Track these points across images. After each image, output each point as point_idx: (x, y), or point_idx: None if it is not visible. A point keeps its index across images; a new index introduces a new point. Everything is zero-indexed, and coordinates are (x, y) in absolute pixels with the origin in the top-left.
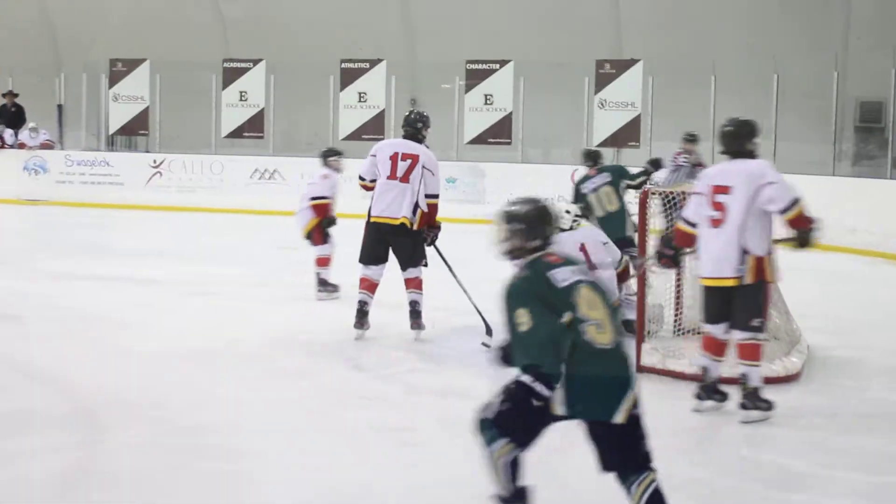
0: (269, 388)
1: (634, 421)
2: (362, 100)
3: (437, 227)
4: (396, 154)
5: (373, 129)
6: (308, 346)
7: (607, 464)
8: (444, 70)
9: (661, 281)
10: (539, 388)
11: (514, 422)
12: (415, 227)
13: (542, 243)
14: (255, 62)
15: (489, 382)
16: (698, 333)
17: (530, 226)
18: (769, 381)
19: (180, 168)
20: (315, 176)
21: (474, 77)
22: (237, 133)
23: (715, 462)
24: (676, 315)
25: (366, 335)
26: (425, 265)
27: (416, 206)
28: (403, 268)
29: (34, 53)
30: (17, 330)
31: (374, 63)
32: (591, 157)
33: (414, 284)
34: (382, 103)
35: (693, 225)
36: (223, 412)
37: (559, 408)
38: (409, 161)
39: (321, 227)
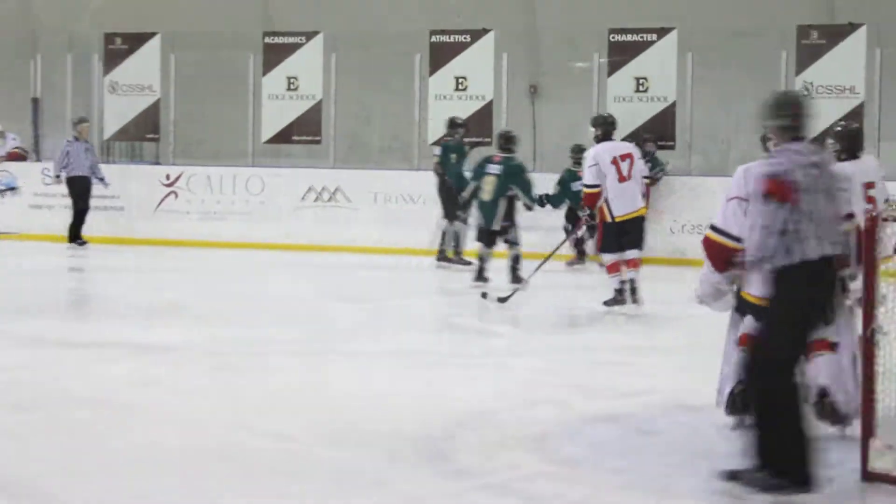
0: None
1: None
2: (460, 87)
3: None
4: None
5: (475, 127)
6: (386, 439)
7: None
8: (578, 43)
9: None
10: None
11: None
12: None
13: None
14: (310, 36)
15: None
16: None
17: None
18: None
19: (204, 186)
20: None
21: (621, 52)
22: (284, 137)
23: None
24: None
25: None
26: None
27: None
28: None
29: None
30: None
31: (477, 35)
32: None
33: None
34: (490, 91)
35: None
36: None
37: None
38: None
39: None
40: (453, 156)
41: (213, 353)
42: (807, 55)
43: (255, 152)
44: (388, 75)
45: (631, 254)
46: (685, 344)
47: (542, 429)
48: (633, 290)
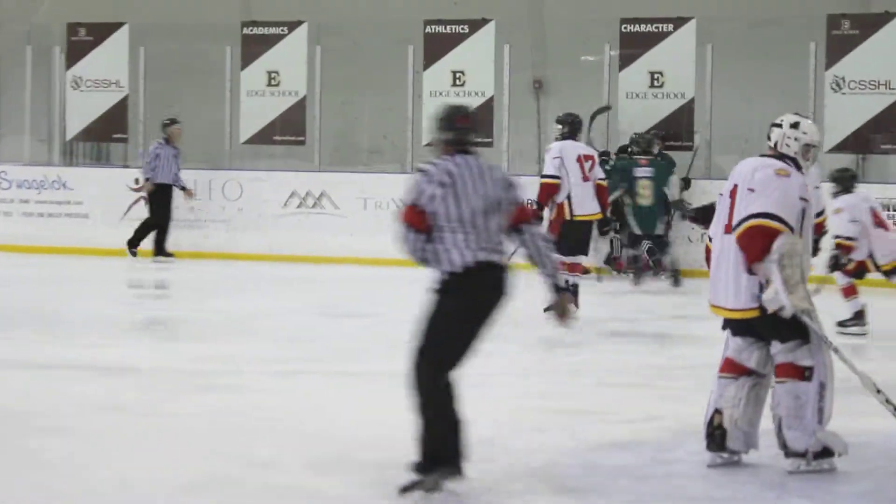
0: None
1: None
2: (458, 82)
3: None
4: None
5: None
6: (377, 467)
7: None
8: (587, 34)
9: None
10: None
11: None
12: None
13: None
14: (293, 26)
15: None
16: None
17: None
18: None
19: (176, 191)
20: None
21: (633, 44)
22: (265, 137)
23: None
24: None
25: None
26: None
27: None
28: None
29: None
30: None
31: (476, 25)
32: None
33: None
34: (490, 87)
35: None
36: None
37: None
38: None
39: None
40: None
41: (188, 374)
42: (838, 47)
43: (232, 154)
44: (379, 69)
45: (578, 259)
46: (702, 363)
47: (548, 457)
48: (575, 294)
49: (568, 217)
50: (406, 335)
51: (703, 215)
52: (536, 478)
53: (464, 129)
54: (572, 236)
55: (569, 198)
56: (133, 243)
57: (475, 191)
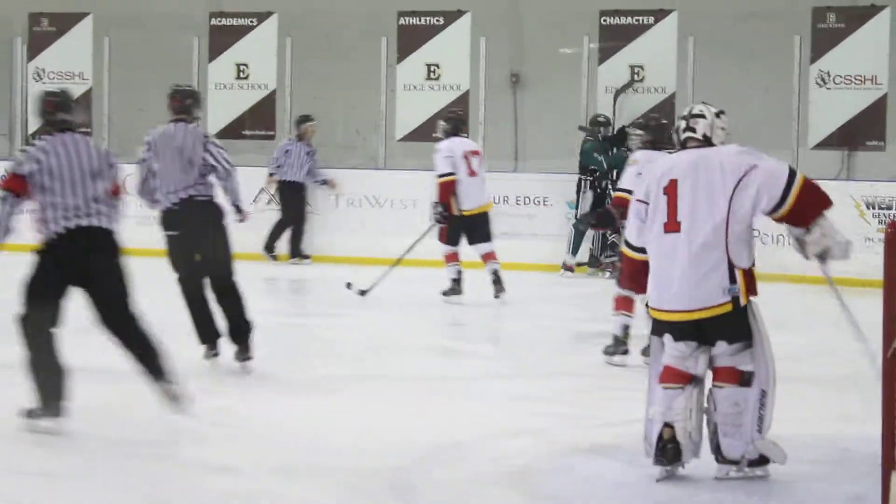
0: None
1: None
2: (433, 75)
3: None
4: None
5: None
6: (346, 473)
7: None
8: (565, 26)
9: None
10: None
11: None
12: None
13: None
14: (262, 17)
15: None
16: None
17: None
18: None
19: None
20: None
21: (614, 37)
22: (233, 131)
23: None
24: None
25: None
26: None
27: None
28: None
29: None
30: None
31: (451, 17)
32: None
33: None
34: (466, 81)
35: None
36: None
37: None
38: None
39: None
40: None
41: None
42: (823, 41)
43: None
44: (351, 62)
45: (484, 247)
46: None
47: (523, 462)
48: (497, 280)
49: (456, 212)
50: (377, 337)
51: (605, 220)
52: (509, 483)
53: (49, 112)
54: (456, 229)
55: (455, 194)
56: (270, 247)
57: (69, 164)
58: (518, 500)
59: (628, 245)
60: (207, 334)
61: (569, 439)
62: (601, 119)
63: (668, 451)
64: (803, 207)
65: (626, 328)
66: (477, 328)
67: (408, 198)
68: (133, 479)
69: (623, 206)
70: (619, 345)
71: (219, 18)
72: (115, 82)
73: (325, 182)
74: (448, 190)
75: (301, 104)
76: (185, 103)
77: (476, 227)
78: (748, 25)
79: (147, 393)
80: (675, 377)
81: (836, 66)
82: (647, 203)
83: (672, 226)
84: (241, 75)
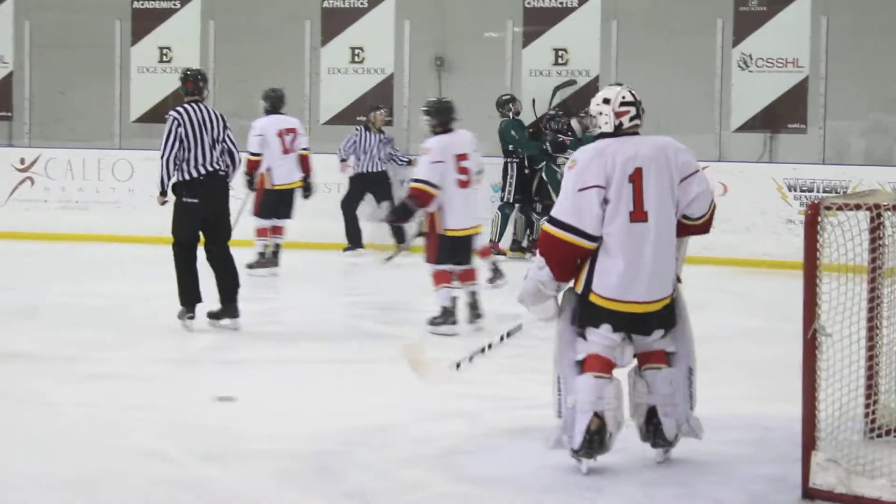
0: None
1: None
2: (357, 59)
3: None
4: None
5: (375, 104)
6: (273, 458)
7: None
8: (489, 10)
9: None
10: None
11: None
12: None
13: None
14: (185, 1)
15: None
16: None
17: None
18: None
19: (64, 171)
20: None
21: (537, 20)
22: (156, 115)
23: None
24: (868, 407)
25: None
26: None
27: None
28: None
29: None
30: None
31: (375, 2)
32: None
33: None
34: (390, 64)
35: None
36: None
37: None
38: None
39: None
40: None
41: (72, 361)
42: (746, 24)
43: (122, 133)
44: (275, 45)
45: (282, 222)
46: None
47: (449, 444)
48: (275, 254)
49: (269, 186)
50: (305, 321)
51: (402, 215)
52: (435, 465)
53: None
54: (270, 203)
55: (269, 170)
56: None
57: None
58: (444, 482)
59: (569, 229)
60: (190, 298)
61: (494, 422)
62: (506, 98)
63: (594, 441)
64: (708, 225)
65: (453, 299)
66: (401, 312)
67: (331, 181)
68: (60, 465)
69: (420, 197)
70: (448, 315)
71: (141, 2)
72: (37, 65)
73: (408, 162)
74: (255, 166)
75: (225, 88)
76: (199, 84)
77: (287, 202)
78: (671, 8)
79: (76, 379)
80: (606, 366)
81: (758, 48)
82: (604, 188)
83: (639, 215)
84: (164, 59)
